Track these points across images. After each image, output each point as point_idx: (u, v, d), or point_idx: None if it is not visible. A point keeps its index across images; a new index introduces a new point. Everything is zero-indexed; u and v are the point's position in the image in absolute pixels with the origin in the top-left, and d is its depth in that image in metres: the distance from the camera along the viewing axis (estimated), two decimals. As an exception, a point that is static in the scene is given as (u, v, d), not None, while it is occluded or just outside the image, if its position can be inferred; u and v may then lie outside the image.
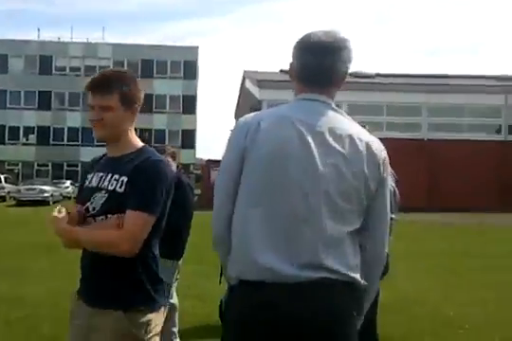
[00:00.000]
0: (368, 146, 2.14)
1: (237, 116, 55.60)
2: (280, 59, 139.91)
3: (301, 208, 2.05)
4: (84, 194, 2.65)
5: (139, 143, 2.68)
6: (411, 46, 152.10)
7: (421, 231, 18.29)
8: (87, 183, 2.67)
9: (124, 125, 2.65)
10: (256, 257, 2.03)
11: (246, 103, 43.34)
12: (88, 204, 2.59)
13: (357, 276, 2.11)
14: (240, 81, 47.99)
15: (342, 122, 2.17)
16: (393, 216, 4.24)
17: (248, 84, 42.20)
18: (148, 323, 2.46)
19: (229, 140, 2.19)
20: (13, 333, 5.84)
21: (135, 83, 2.64)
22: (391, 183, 4.28)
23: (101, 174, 2.60)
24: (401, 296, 7.96)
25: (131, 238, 2.40)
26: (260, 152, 2.09)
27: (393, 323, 6.37)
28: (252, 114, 2.27)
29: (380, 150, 2.19)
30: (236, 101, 54.32)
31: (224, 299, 2.21)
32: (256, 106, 37.38)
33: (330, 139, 2.09)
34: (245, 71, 44.58)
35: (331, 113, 2.18)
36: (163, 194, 2.50)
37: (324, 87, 2.22)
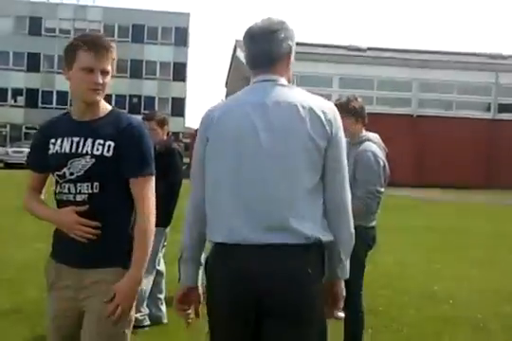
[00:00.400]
0: (311, 110, 2.33)
1: (228, 85, 55.31)
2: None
3: (256, 175, 2.29)
4: (55, 160, 2.60)
5: (108, 106, 2.69)
6: (404, 21, 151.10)
7: (407, 207, 18.41)
8: (54, 148, 2.61)
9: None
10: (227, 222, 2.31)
11: (238, 72, 43.09)
12: (65, 169, 2.54)
13: (319, 234, 2.29)
14: (231, 50, 47.63)
15: (286, 94, 2.38)
16: (382, 190, 4.24)
17: (240, 53, 41.87)
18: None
19: (197, 132, 2.49)
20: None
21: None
22: (381, 157, 4.26)
23: (77, 139, 2.55)
24: (385, 270, 8.03)
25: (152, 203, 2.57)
26: (219, 141, 2.37)
27: (377, 296, 6.44)
28: (213, 105, 2.54)
29: (325, 111, 2.36)
30: (227, 70, 53.97)
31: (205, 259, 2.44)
32: (247, 75, 37.15)
33: (274, 111, 2.33)
34: (236, 40, 44.21)
35: (277, 88, 2.40)
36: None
37: (269, 67, 2.44)
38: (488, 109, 38.85)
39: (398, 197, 20.41)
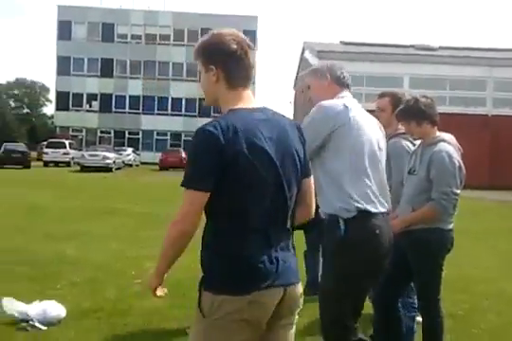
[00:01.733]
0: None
1: (296, 87, 55.26)
2: (340, 30, 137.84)
3: None
4: None
5: None
6: (474, 19, 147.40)
7: (482, 209, 17.95)
8: None
9: None
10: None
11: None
12: None
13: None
14: (300, 52, 47.58)
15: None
16: (458, 191, 4.10)
17: (308, 55, 41.80)
18: None
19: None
20: (79, 294, 5.99)
21: None
22: (456, 157, 4.13)
23: None
24: (464, 273, 7.83)
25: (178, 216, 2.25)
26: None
27: (456, 301, 6.28)
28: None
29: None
30: (296, 72, 53.90)
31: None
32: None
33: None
34: (304, 42, 44.17)
35: None
36: (203, 164, 2.20)
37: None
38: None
39: (474, 199, 19.92)
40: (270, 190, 2.26)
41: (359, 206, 3.12)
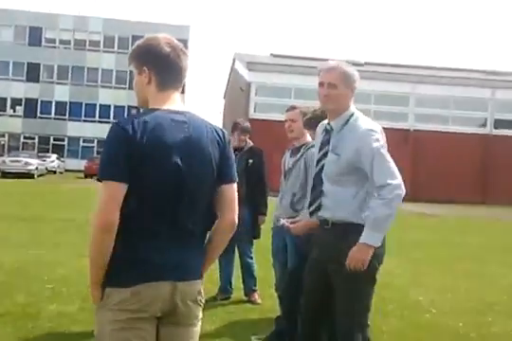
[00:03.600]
0: None
1: (226, 97, 55.50)
2: (271, 42, 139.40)
3: None
4: None
5: None
6: (401, 37, 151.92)
7: (401, 221, 18.42)
8: None
9: None
10: None
11: (236, 84, 43.26)
12: None
13: None
14: (231, 63, 47.86)
15: None
16: None
17: (238, 66, 42.10)
18: None
19: None
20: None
21: None
22: None
23: None
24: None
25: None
26: None
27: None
28: None
29: None
30: (226, 83, 54.16)
31: None
32: (245, 87, 37.37)
33: None
34: (235, 53, 44.49)
35: None
36: (114, 155, 2.27)
37: None
38: (484, 125, 39.04)
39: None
40: (169, 190, 2.32)
41: None
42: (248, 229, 6.46)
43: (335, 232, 3.53)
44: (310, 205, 3.72)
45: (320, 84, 3.55)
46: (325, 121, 3.71)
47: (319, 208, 3.62)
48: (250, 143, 6.65)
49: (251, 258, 6.68)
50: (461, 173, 35.88)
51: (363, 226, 3.37)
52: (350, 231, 3.43)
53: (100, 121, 52.75)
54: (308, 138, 4.99)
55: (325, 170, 3.56)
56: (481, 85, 37.76)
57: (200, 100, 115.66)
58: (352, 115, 3.56)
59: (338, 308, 3.48)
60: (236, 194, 2.56)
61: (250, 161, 6.49)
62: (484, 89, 37.78)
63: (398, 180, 3.36)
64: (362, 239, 3.32)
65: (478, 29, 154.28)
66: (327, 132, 3.62)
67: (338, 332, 3.49)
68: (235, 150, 6.47)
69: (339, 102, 3.53)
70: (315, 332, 3.66)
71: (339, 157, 3.46)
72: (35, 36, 54.11)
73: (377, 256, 3.46)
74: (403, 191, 3.35)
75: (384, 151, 3.43)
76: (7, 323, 5.15)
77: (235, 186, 2.55)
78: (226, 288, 6.66)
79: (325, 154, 3.58)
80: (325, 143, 3.61)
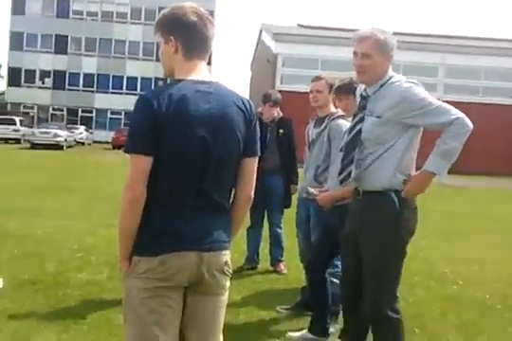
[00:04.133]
0: None
1: (253, 68, 55.20)
2: (298, 13, 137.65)
3: None
4: None
5: None
6: (431, 6, 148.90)
7: (431, 192, 18.25)
8: None
9: None
10: None
11: (263, 56, 42.98)
12: None
13: None
14: (257, 34, 47.49)
15: None
16: None
17: (265, 37, 41.80)
18: None
19: None
20: (18, 267, 6.03)
21: None
22: None
23: None
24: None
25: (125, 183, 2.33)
26: None
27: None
28: None
29: None
30: (253, 54, 53.84)
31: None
32: (272, 59, 37.11)
33: None
34: (262, 24, 44.12)
35: None
36: (140, 127, 2.29)
37: None
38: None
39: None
40: (195, 161, 2.32)
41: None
42: (281, 198, 6.50)
43: (365, 202, 3.49)
44: (340, 173, 3.63)
45: (354, 54, 3.45)
46: (363, 86, 3.61)
47: (349, 176, 3.55)
48: (280, 114, 6.64)
49: (280, 228, 6.71)
50: (494, 145, 35.41)
51: (396, 192, 3.34)
52: (381, 200, 3.39)
53: (127, 93, 52.89)
54: (332, 109, 4.94)
55: (363, 134, 3.45)
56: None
57: (227, 72, 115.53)
58: (389, 78, 3.45)
59: (367, 279, 3.47)
60: (255, 169, 2.54)
61: (281, 131, 6.50)
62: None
63: (462, 113, 3.30)
64: (428, 165, 3.23)
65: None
66: (363, 98, 3.53)
67: (367, 303, 3.48)
68: (267, 121, 6.48)
69: (375, 72, 3.43)
70: (356, 293, 3.66)
71: (380, 119, 3.37)
72: (63, 8, 54.14)
73: (408, 229, 3.43)
74: (471, 125, 3.29)
75: (431, 97, 3.35)
76: (38, 291, 5.25)
77: (256, 159, 2.53)
78: (253, 258, 6.71)
79: (362, 119, 3.48)
80: (362, 109, 3.51)
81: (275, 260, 6.69)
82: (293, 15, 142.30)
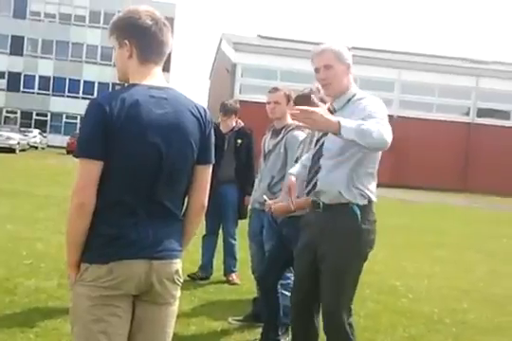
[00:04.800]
0: None
1: (212, 77, 55.22)
2: (258, 24, 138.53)
3: None
4: None
5: None
6: (390, 23, 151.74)
7: (382, 207, 18.50)
8: None
9: None
10: None
11: (222, 65, 43.04)
12: None
13: None
14: (217, 44, 47.58)
15: None
16: None
17: (225, 46, 41.89)
18: None
19: None
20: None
21: None
22: None
23: None
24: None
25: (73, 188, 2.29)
26: None
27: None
28: None
29: None
30: (212, 63, 53.87)
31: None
32: (231, 68, 37.20)
33: None
34: (222, 33, 44.23)
35: None
36: (90, 132, 2.25)
37: None
38: (468, 113, 39.30)
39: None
40: (147, 167, 2.29)
41: (371, 196, 3.44)
42: (235, 209, 6.49)
43: (327, 215, 3.48)
44: (307, 184, 3.65)
45: (316, 70, 3.50)
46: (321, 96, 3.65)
47: (315, 187, 3.55)
48: (241, 124, 6.63)
49: (235, 239, 6.70)
50: (442, 161, 36.12)
51: (358, 205, 3.38)
52: (343, 213, 3.41)
53: (83, 97, 52.15)
54: (289, 120, 4.97)
55: (325, 147, 3.47)
56: (466, 73, 37.95)
57: (185, 80, 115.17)
58: (354, 94, 3.49)
59: (327, 290, 3.46)
60: (209, 177, 2.52)
61: (239, 141, 6.49)
62: (469, 77, 37.99)
63: (388, 139, 3.09)
64: (343, 120, 2.98)
65: (464, 18, 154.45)
66: (330, 112, 3.56)
67: (324, 313, 3.49)
68: (225, 131, 6.48)
69: (340, 83, 3.47)
70: (306, 304, 3.66)
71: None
72: (20, 8, 53.23)
73: (369, 242, 3.47)
74: (388, 142, 3.08)
75: (385, 118, 3.28)
76: (-17, 298, 5.12)
77: (210, 167, 2.51)
78: (206, 267, 6.68)
79: (325, 133, 3.47)
80: None
81: (228, 270, 6.67)
82: (253, 26, 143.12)
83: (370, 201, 3.45)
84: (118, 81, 2.59)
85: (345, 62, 3.48)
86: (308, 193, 3.66)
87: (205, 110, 2.48)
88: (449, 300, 6.71)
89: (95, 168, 2.23)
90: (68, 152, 37.35)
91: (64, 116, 52.78)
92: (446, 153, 36.42)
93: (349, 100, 3.47)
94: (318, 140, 3.62)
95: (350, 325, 3.47)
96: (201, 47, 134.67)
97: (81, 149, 2.26)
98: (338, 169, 3.41)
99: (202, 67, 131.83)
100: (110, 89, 50.33)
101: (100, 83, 53.01)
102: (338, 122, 2.91)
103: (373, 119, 3.11)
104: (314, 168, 3.58)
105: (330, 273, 3.45)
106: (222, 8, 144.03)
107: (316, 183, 3.54)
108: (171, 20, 54.82)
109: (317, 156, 3.58)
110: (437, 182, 34.40)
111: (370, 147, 3.06)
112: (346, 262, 3.42)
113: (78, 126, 50.51)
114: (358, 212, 3.38)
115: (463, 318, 5.96)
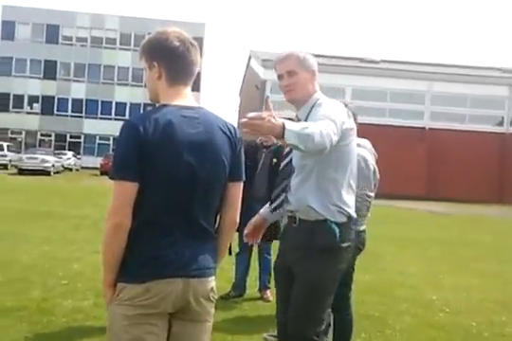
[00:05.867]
0: None
1: (242, 95, 55.53)
2: (287, 40, 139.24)
3: None
4: None
5: None
6: (418, 34, 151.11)
7: (418, 219, 18.43)
8: None
9: None
10: None
11: (251, 82, 43.26)
12: None
13: None
14: (246, 61, 47.88)
15: None
16: (372, 194, 4.36)
17: (254, 63, 42.12)
18: None
19: None
20: (3, 293, 5.96)
21: None
22: (371, 162, 4.38)
23: None
24: (386, 278, 8.12)
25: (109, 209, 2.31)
26: None
27: (375, 303, 6.54)
28: None
29: None
30: (241, 80, 54.19)
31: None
32: (260, 85, 37.36)
33: None
34: (251, 50, 44.51)
35: None
36: (125, 154, 2.28)
37: None
38: (501, 123, 38.81)
39: (410, 209, 20.39)
40: (182, 186, 2.32)
41: (350, 212, 3.26)
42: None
43: (302, 230, 3.28)
44: (273, 201, 3.52)
45: (280, 77, 3.39)
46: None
47: (281, 204, 3.43)
48: (279, 142, 6.62)
49: (270, 254, 6.66)
50: (476, 172, 35.66)
51: (335, 223, 3.20)
52: (320, 230, 3.21)
53: (116, 119, 52.88)
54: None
55: (293, 162, 3.35)
56: (498, 83, 37.55)
57: (216, 98, 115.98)
58: (317, 100, 3.33)
59: (297, 305, 3.26)
60: (241, 194, 2.54)
61: (275, 160, 6.43)
62: (502, 87, 37.59)
63: (328, 143, 2.85)
64: (288, 122, 2.68)
65: (496, 27, 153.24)
66: None
67: (292, 326, 3.27)
68: (263, 148, 6.48)
69: (304, 89, 3.34)
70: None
71: None
72: (52, 34, 54.41)
73: (345, 259, 3.32)
74: (327, 147, 2.85)
75: (337, 120, 3.02)
76: (22, 318, 5.19)
77: (241, 185, 2.54)
78: (240, 285, 6.67)
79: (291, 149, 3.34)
80: None
81: (263, 286, 6.66)
82: (282, 42, 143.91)
83: (350, 217, 3.26)
84: (149, 102, 2.61)
85: (310, 68, 3.35)
86: (275, 209, 3.52)
87: (235, 128, 2.51)
88: (488, 313, 6.60)
89: (130, 189, 2.26)
90: (102, 173, 37.77)
91: (98, 138, 53.48)
92: (479, 165, 35.97)
93: (312, 107, 3.31)
94: (287, 154, 3.49)
95: (317, 334, 3.26)
96: (231, 65, 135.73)
97: (116, 170, 2.28)
98: (304, 185, 3.25)
99: (232, 85, 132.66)
100: (142, 109, 51.01)
101: (131, 104, 53.69)
102: (283, 124, 2.62)
103: (320, 121, 2.92)
104: (281, 184, 3.45)
105: (303, 291, 3.26)
106: (251, 26, 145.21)
107: (283, 199, 3.41)
108: (200, 39, 55.46)
109: (284, 173, 3.47)
110: (471, 194, 33.92)
111: (309, 151, 2.81)
112: (322, 281, 3.24)
113: (111, 147, 51.22)
114: (337, 230, 3.20)
115: (502, 331, 5.85)
